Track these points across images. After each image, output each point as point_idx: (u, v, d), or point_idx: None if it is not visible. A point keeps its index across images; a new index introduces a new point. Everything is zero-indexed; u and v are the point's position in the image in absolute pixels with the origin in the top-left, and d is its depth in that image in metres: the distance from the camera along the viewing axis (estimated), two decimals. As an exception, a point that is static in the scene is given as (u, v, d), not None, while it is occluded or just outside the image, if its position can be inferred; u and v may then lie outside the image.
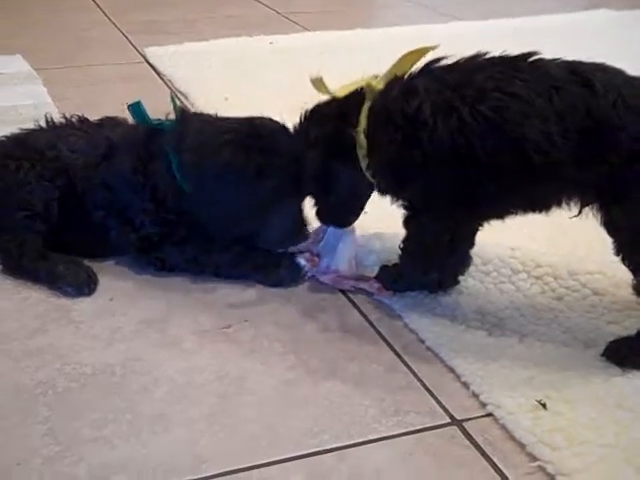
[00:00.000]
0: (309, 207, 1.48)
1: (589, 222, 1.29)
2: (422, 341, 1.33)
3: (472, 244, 1.41)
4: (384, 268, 1.45)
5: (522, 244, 1.55)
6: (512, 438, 1.13)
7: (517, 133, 1.21)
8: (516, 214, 1.33)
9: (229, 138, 1.41)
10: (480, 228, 1.39)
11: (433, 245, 1.36)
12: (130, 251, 1.52)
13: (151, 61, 2.69)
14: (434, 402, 1.20)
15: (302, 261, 1.50)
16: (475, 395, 1.21)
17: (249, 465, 1.08)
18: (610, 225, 1.26)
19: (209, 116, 1.51)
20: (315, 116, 1.41)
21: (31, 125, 1.61)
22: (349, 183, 1.39)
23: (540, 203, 1.30)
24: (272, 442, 1.12)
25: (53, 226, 1.50)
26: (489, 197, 1.28)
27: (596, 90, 1.19)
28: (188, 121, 1.48)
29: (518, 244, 1.55)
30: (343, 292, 1.47)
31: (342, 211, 1.47)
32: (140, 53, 2.80)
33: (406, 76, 1.31)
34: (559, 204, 1.29)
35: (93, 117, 1.62)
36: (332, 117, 1.37)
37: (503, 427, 1.15)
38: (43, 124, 1.60)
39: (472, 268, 1.45)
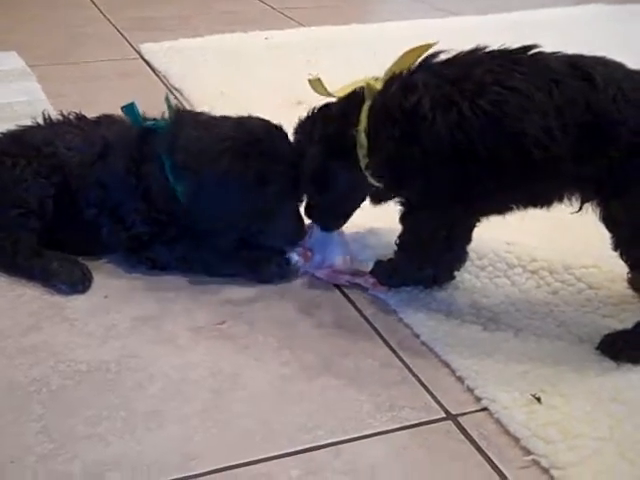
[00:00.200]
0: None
1: (585, 217, 1.29)
2: (417, 336, 1.33)
3: (469, 240, 1.41)
4: (379, 263, 1.45)
5: (518, 239, 1.55)
6: (507, 432, 1.13)
7: (516, 127, 1.20)
8: (517, 209, 1.33)
9: (227, 146, 1.40)
10: (477, 224, 1.38)
11: (429, 241, 1.36)
12: (121, 250, 1.52)
13: (146, 57, 2.68)
14: (429, 397, 1.20)
15: (295, 256, 1.49)
16: (470, 390, 1.21)
17: (243, 461, 1.08)
18: (609, 220, 1.26)
19: (202, 116, 1.50)
20: (318, 117, 1.40)
21: (26, 122, 1.60)
22: (346, 184, 1.39)
23: (541, 198, 1.30)
24: (266, 438, 1.12)
25: (47, 223, 1.49)
26: (489, 192, 1.28)
27: (596, 84, 1.18)
28: (181, 122, 1.47)
29: (514, 239, 1.54)
30: (338, 288, 1.47)
31: (333, 213, 1.46)
32: (135, 49, 2.79)
33: (405, 72, 1.30)
34: (560, 199, 1.29)
35: (89, 114, 1.61)
36: (333, 117, 1.37)
37: (498, 421, 1.15)
38: (40, 121, 1.59)
39: (467, 262, 1.45)
